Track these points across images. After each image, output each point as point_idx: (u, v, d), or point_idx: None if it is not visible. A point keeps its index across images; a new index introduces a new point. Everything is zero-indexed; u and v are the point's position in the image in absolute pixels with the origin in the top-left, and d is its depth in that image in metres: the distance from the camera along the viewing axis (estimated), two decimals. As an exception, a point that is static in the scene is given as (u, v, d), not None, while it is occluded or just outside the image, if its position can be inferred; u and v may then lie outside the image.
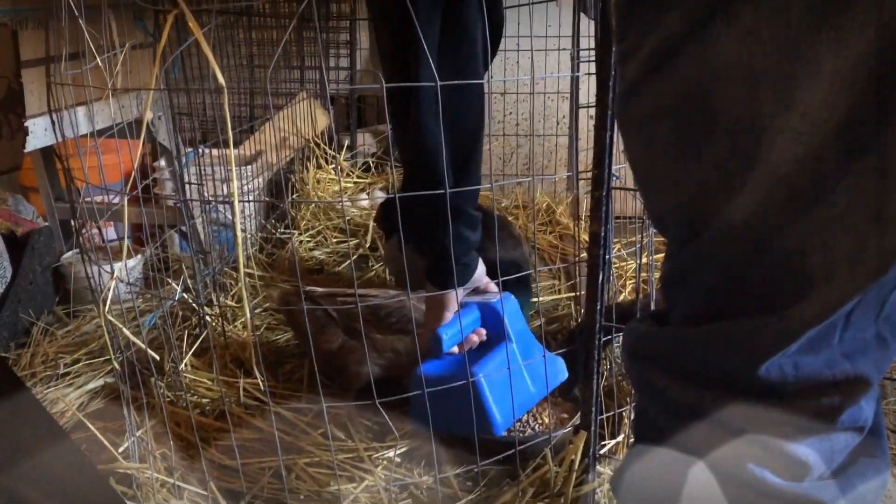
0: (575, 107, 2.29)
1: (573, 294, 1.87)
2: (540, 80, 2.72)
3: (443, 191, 1.02)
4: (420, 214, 1.11)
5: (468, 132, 1.13)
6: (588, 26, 2.14)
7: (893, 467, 0.68)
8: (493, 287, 1.29)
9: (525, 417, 1.38)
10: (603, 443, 1.26)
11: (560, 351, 1.28)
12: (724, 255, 0.59)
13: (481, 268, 1.25)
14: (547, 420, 1.35)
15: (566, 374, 1.28)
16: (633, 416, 1.21)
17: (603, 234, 1.08)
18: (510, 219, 2.40)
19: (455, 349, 1.21)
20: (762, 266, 0.57)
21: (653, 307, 1.28)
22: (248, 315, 0.93)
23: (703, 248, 0.60)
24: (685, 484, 0.64)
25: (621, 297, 1.83)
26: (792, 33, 0.51)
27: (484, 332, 1.24)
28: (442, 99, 0.95)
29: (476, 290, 1.28)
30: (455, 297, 1.20)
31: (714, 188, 0.58)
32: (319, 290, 1.48)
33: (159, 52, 0.94)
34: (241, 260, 0.92)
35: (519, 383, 1.19)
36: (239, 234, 0.91)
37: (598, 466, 1.18)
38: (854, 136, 0.51)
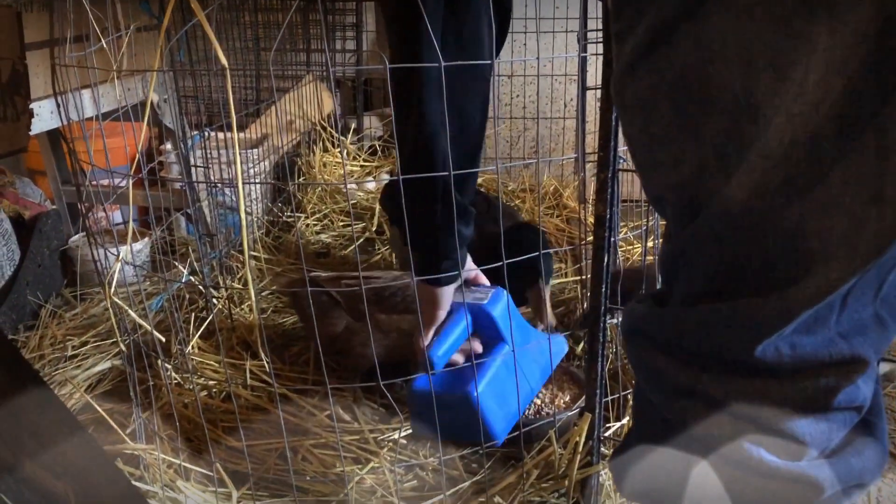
0: (582, 88, 2.27)
1: (579, 277, 1.86)
2: (548, 62, 2.70)
3: (438, 182, 0.99)
4: (412, 208, 1.04)
5: (472, 122, 1.09)
6: (596, 7, 2.12)
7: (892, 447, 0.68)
8: (482, 279, 1.25)
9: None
10: (607, 425, 1.26)
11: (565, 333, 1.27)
12: (722, 236, 0.59)
13: (468, 262, 1.21)
14: (558, 396, 1.35)
15: (566, 348, 1.25)
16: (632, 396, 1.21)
17: (609, 216, 1.07)
18: (517, 202, 2.40)
19: (456, 356, 1.18)
20: (760, 247, 0.57)
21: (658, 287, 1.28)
22: (254, 298, 0.93)
23: (701, 228, 0.60)
24: (689, 477, 0.64)
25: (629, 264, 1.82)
26: (786, 12, 0.51)
27: (479, 345, 1.20)
28: (446, 85, 0.93)
29: (465, 283, 1.23)
30: (446, 293, 1.16)
31: (712, 168, 0.57)
32: (324, 275, 1.49)
33: (162, 33, 0.93)
34: (246, 243, 0.92)
35: (514, 382, 1.17)
36: (244, 216, 0.91)
37: (602, 449, 1.18)
38: (851, 116, 0.50)
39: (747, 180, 0.55)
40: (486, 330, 1.20)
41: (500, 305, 1.19)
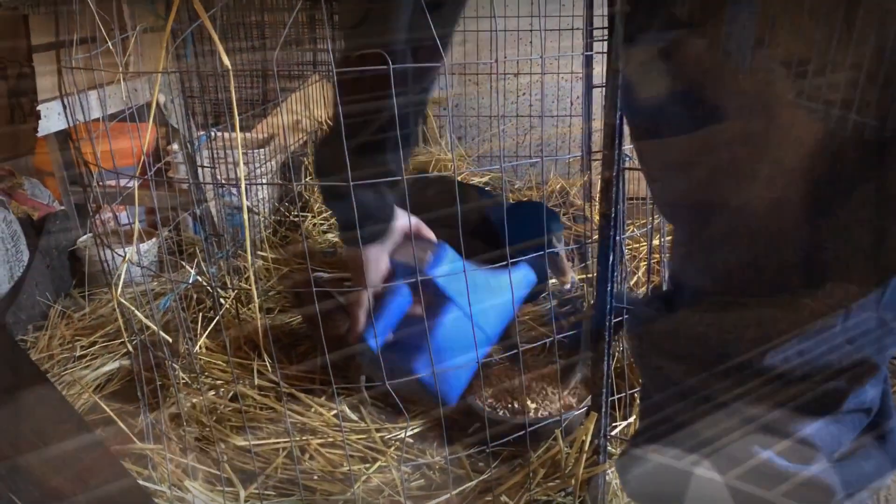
0: (587, 86, 2.26)
1: (585, 276, 1.86)
2: (554, 61, 2.70)
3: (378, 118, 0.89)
4: (330, 169, 0.96)
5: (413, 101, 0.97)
6: (602, 5, 2.11)
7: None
8: (425, 231, 1.15)
9: (536, 400, 1.39)
10: (614, 424, 1.26)
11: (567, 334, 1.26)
12: (736, 244, 0.58)
13: (402, 217, 1.11)
14: (560, 395, 1.35)
15: (533, 279, 1.20)
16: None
17: (614, 214, 1.06)
18: (524, 199, 2.39)
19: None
20: (775, 257, 0.56)
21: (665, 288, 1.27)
22: (256, 298, 0.93)
23: (714, 235, 0.59)
24: (695, 480, 0.64)
25: (634, 280, 1.82)
26: (806, 22, 0.50)
27: (420, 310, 1.12)
28: (404, 64, 0.86)
29: (407, 238, 1.13)
30: (373, 253, 1.08)
31: (725, 174, 0.57)
32: (326, 276, 1.49)
33: (167, 34, 0.93)
34: (248, 242, 0.92)
35: (468, 340, 1.11)
36: (246, 216, 0.91)
37: (608, 448, 1.18)
38: (875, 131, 0.50)
39: (763, 188, 0.54)
40: (431, 293, 1.13)
41: (444, 266, 1.11)
